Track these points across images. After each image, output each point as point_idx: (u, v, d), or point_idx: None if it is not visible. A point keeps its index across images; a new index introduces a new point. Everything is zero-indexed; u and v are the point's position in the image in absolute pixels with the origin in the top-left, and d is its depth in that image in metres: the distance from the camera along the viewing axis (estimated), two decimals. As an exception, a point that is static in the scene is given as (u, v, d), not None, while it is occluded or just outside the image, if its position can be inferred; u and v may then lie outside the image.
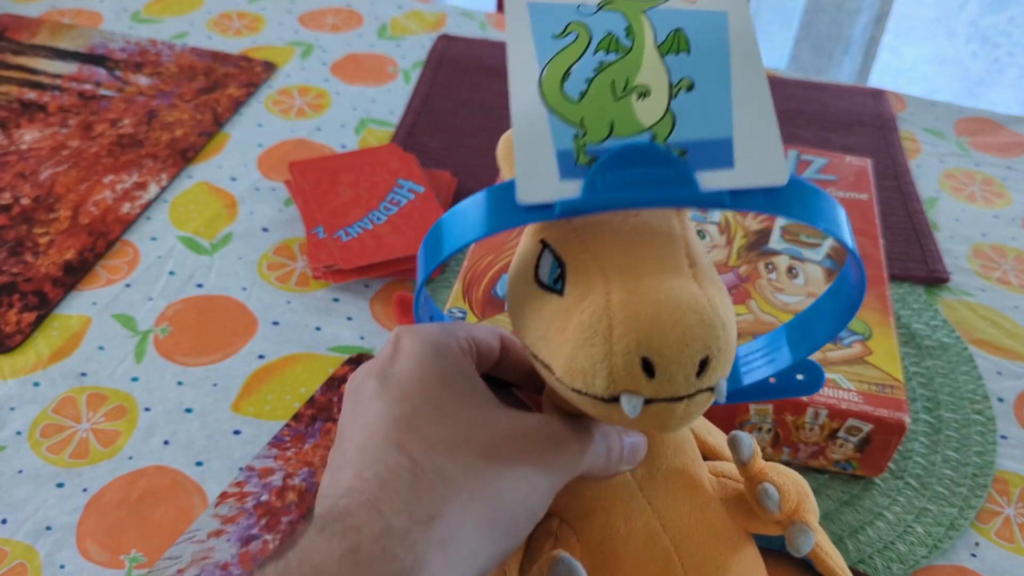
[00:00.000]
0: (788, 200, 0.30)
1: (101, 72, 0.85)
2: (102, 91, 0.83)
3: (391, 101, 0.85)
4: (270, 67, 0.88)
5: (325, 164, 0.72)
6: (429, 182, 0.72)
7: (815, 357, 0.54)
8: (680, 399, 0.29)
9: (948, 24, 1.99)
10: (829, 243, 0.62)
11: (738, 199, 0.29)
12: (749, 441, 0.35)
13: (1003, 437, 0.58)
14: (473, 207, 0.30)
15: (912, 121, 0.87)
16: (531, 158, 0.29)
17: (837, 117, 0.86)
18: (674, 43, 0.31)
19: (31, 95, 0.82)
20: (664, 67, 0.30)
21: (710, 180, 0.29)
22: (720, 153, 0.30)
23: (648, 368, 0.28)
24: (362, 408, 0.32)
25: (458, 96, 0.86)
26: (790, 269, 0.60)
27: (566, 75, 0.30)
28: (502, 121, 0.83)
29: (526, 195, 0.29)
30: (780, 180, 0.29)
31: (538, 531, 0.35)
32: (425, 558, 0.28)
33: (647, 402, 0.29)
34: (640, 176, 0.29)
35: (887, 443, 0.51)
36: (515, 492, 0.30)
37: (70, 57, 0.87)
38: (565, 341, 0.30)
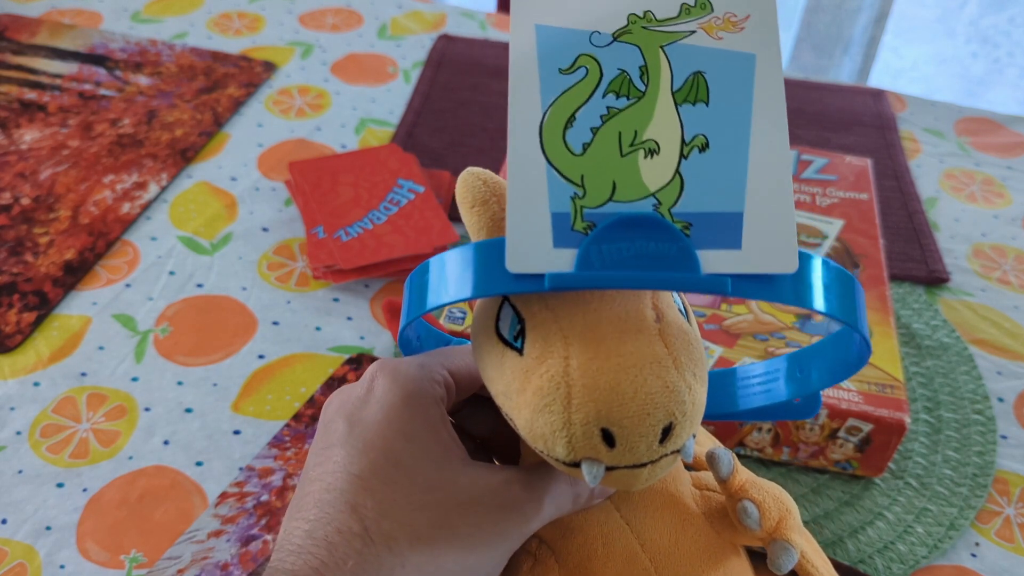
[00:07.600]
0: (801, 290, 0.27)
1: (101, 72, 0.85)
2: (102, 91, 0.83)
3: (391, 101, 0.85)
4: (270, 67, 0.88)
5: (325, 164, 0.72)
6: (429, 182, 0.72)
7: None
8: (643, 465, 0.28)
9: (948, 24, 1.99)
10: (829, 243, 0.62)
11: (742, 285, 0.26)
12: (727, 458, 0.34)
13: (1003, 437, 0.58)
14: (460, 263, 0.28)
15: (912, 121, 0.87)
16: (525, 220, 0.27)
17: (837, 117, 0.86)
18: (692, 90, 0.28)
19: (31, 95, 0.82)
20: (678, 119, 0.28)
21: (713, 261, 0.27)
22: (728, 230, 0.27)
23: (608, 438, 0.27)
24: (327, 453, 0.32)
25: (458, 96, 0.86)
26: (790, 269, 0.60)
27: (570, 121, 0.27)
28: (502, 121, 0.83)
29: (516, 264, 0.26)
30: (788, 268, 0.27)
31: (518, 550, 0.35)
32: None
33: (609, 468, 0.28)
34: (638, 251, 0.26)
35: (887, 443, 0.51)
36: (464, 563, 0.31)
37: (70, 57, 0.87)
38: (524, 404, 0.29)
